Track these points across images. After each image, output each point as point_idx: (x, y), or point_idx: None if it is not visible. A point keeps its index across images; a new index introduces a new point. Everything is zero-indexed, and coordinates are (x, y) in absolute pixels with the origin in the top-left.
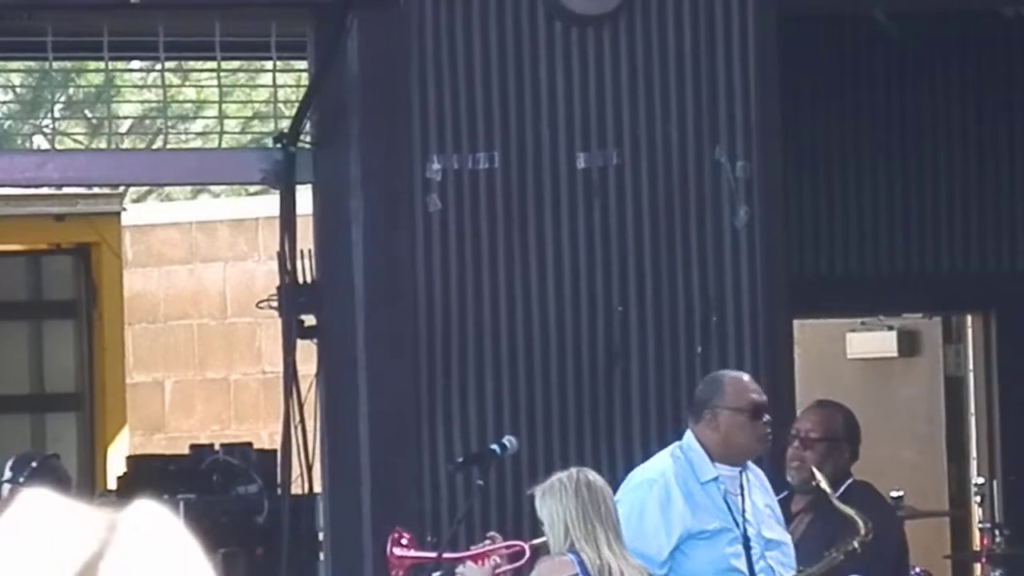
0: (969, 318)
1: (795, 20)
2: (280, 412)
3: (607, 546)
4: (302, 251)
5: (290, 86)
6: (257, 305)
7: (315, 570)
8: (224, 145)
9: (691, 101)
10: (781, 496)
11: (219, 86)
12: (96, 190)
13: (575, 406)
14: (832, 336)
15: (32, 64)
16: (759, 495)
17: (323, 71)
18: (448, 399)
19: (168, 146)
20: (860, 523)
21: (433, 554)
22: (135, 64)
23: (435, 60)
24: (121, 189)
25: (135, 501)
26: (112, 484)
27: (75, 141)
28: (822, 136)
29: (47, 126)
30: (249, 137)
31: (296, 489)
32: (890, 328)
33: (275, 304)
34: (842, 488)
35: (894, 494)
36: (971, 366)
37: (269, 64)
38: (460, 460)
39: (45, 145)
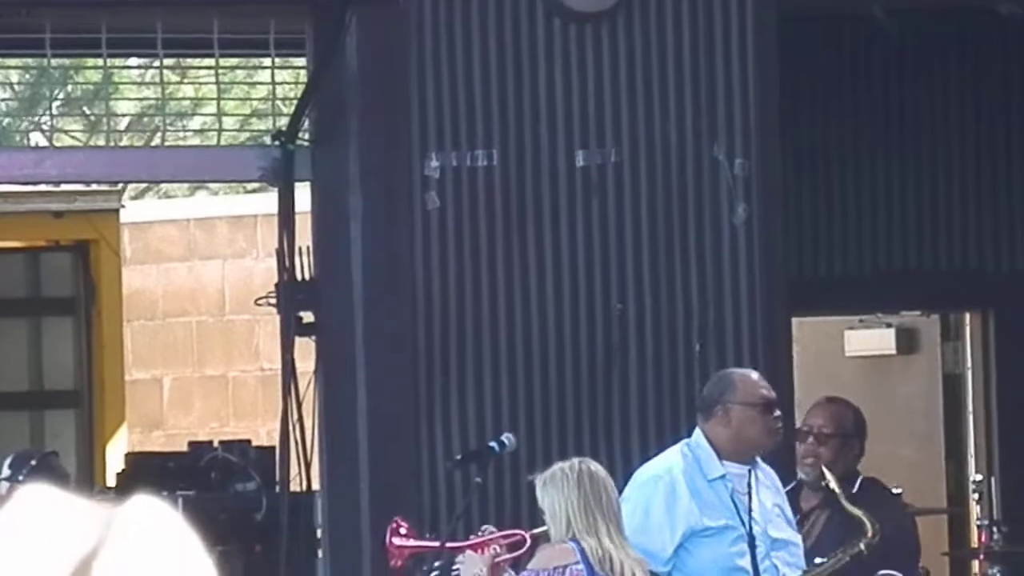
0: (967, 316)
1: (794, 19)
2: (279, 409)
3: (608, 537)
4: (301, 248)
5: (288, 83)
6: (256, 302)
7: (314, 567)
8: (222, 142)
9: (690, 99)
10: (788, 488)
11: (217, 83)
12: (95, 187)
13: (573, 403)
14: (830, 334)
15: (30, 61)
16: (768, 494)
17: (322, 68)
18: (446, 396)
19: (166, 143)
20: (868, 525)
21: (432, 543)
22: (133, 61)
23: (434, 57)
24: (120, 186)
25: (134, 496)
26: (111, 481)
27: (73, 138)
28: (821, 134)
29: (45, 123)
30: (247, 134)
31: (295, 486)
32: (888, 326)
33: (274, 301)
34: (856, 485)
35: (893, 491)
36: (969, 364)
37: (267, 61)
38: (459, 457)
39: (43, 142)
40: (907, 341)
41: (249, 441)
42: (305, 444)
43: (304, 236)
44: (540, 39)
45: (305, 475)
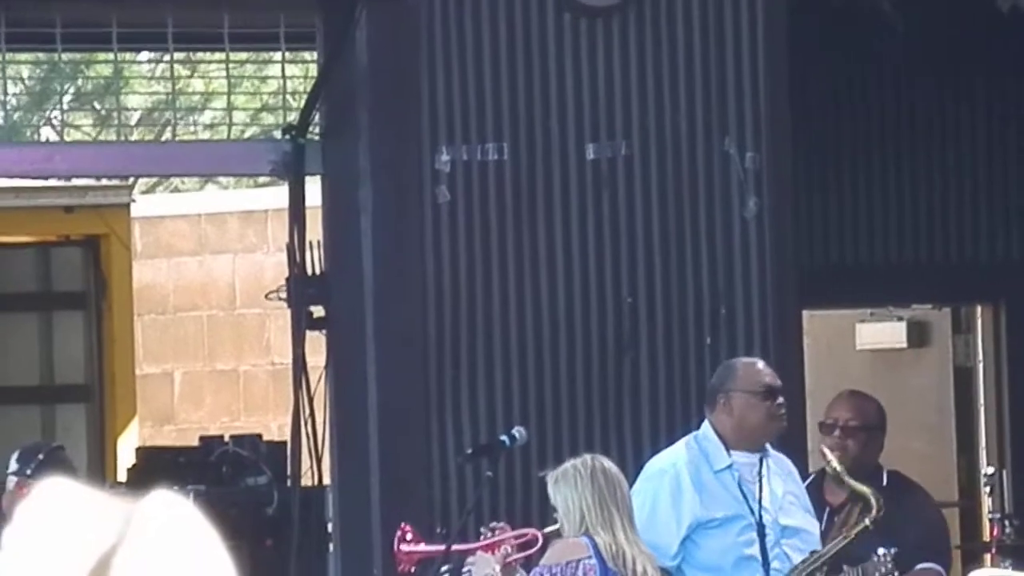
0: (979, 309)
1: (804, 11)
2: (289, 403)
3: (622, 532)
4: (311, 242)
5: (298, 77)
6: (266, 296)
7: (325, 561)
8: (233, 137)
9: (700, 92)
10: (807, 483)
11: (228, 77)
12: (105, 182)
13: (584, 397)
14: (841, 327)
15: (41, 56)
16: (779, 482)
17: (332, 62)
18: (457, 390)
19: (177, 138)
20: (873, 500)
21: (440, 546)
22: (144, 55)
23: (444, 51)
24: (130, 181)
25: (152, 491)
26: (122, 476)
27: (84, 133)
28: (831, 127)
29: (56, 118)
30: (258, 128)
31: (306, 480)
32: (900, 319)
33: (284, 295)
34: (884, 479)
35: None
36: (980, 357)
37: (278, 55)
38: (469, 451)
39: (54, 137)
40: (918, 334)
41: (260, 435)
42: (316, 438)
43: (314, 230)
44: (550, 33)
45: (316, 469)
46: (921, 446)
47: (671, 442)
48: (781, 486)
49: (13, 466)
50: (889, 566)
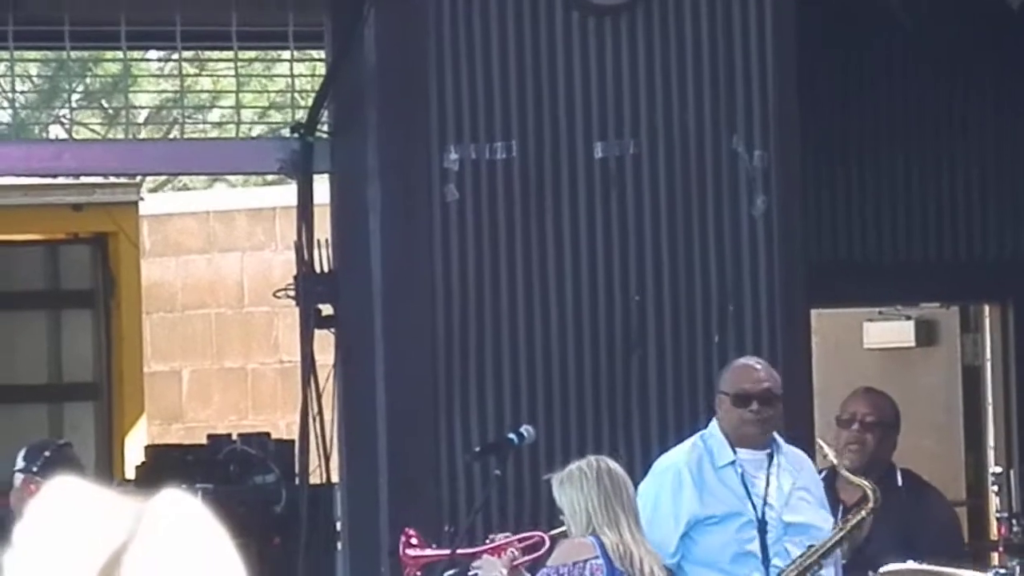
0: (987, 308)
1: (811, 8)
2: (297, 402)
3: (628, 532)
4: (319, 240)
5: (306, 76)
6: (274, 294)
7: (333, 560)
8: (241, 135)
9: (708, 90)
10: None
11: (236, 75)
12: (113, 180)
13: (592, 395)
14: (849, 325)
15: (49, 54)
16: (789, 478)
17: (340, 61)
18: (465, 389)
19: (185, 136)
20: (870, 493)
21: (446, 552)
22: (152, 54)
23: (452, 49)
24: (138, 179)
25: (162, 490)
26: (130, 474)
27: (92, 131)
28: (839, 125)
29: (64, 116)
30: (266, 127)
31: (314, 479)
32: (908, 318)
33: (292, 293)
34: (899, 478)
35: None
36: (988, 355)
37: (286, 54)
38: (477, 450)
39: (62, 135)
40: (926, 333)
41: (268, 434)
42: (324, 437)
43: (323, 228)
44: (559, 31)
45: (324, 468)
46: (929, 445)
47: (679, 440)
48: (790, 482)
49: (20, 463)
50: None
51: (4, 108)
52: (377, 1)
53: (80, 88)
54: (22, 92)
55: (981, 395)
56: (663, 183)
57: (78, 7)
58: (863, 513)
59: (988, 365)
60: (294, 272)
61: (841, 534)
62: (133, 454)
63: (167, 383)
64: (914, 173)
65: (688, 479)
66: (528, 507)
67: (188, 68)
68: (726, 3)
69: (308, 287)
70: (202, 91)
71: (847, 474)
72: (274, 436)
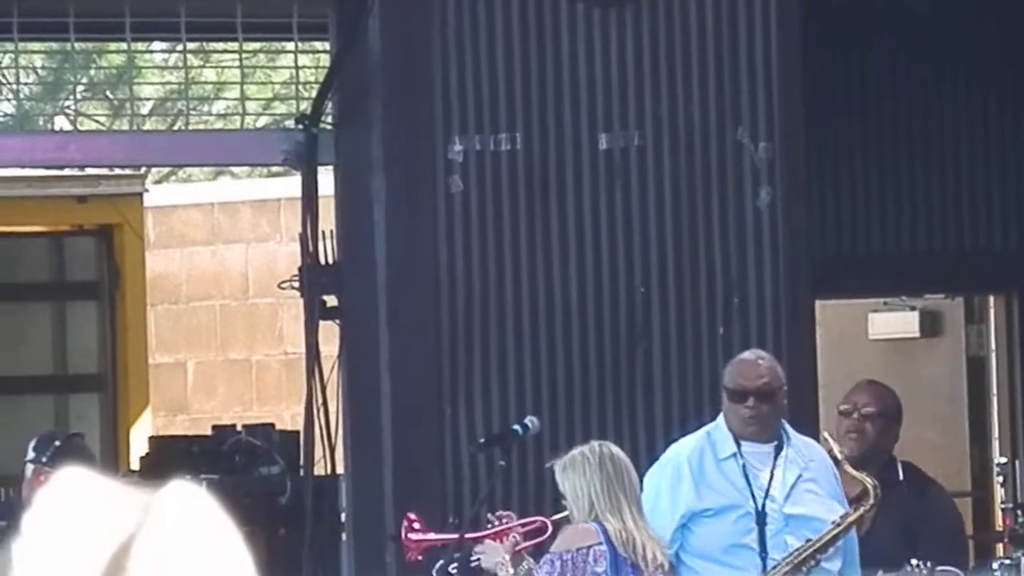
0: (991, 298)
1: (816, 2)
2: (302, 393)
3: (631, 518)
4: (324, 232)
5: (310, 67)
6: (279, 286)
7: (338, 550)
8: (245, 126)
9: (713, 82)
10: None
11: (241, 67)
12: (118, 171)
13: (597, 387)
14: (854, 317)
15: (54, 45)
16: (795, 471)
17: (345, 52)
18: (470, 380)
19: (190, 127)
20: (870, 489)
21: (448, 536)
22: (157, 45)
23: (457, 41)
24: (143, 170)
25: (170, 482)
26: (135, 465)
27: (97, 122)
28: (844, 119)
29: (69, 107)
30: (270, 118)
31: (319, 470)
32: (912, 308)
33: (297, 285)
34: (900, 471)
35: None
36: (993, 346)
37: (290, 45)
38: (482, 441)
39: (67, 126)
40: (931, 324)
41: (273, 425)
42: (329, 428)
43: (327, 220)
44: (563, 23)
45: (329, 459)
46: (934, 436)
47: (684, 432)
48: (796, 474)
49: (30, 454)
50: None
51: (9, 100)
52: None
53: (84, 80)
54: (27, 84)
55: (986, 386)
56: (668, 175)
57: None
58: (862, 511)
59: (993, 356)
60: (299, 263)
61: (838, 531)
62: (138, 445)
63: (172, 374)
64: (918, 164)
65: (687, 472)
66: (532, 498)
67: (192, 60)
68: None
69: (312, 278)
70: (206, 83)
71: (849, 468)
72: (279, 427)
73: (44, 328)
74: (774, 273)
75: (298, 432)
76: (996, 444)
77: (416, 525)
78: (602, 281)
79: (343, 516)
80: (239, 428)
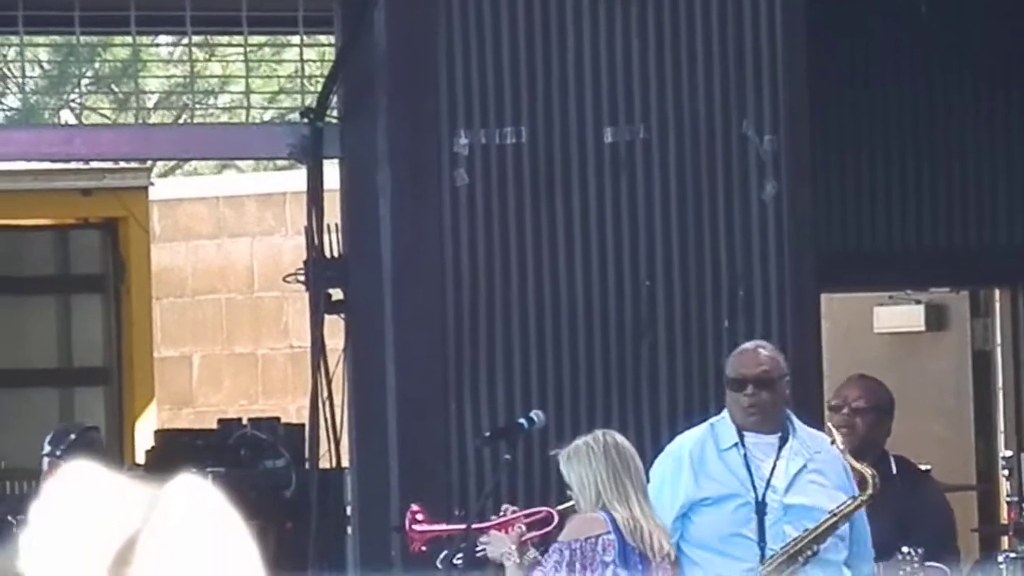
0: (997, 292)
1: None
2: (307, 386)
3: (638, 506)
4: (329, 225)
5: (315, 61)
6: (284, 279)
7: (343, 544)
8: (251, 120)
9: (718, 75)
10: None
11: (246, 61)
12: (123, 165)
13: (602, 380)
14: (860, 310)
15: (59, 39)
16: (799, 461)
17: (350, 45)
18: (475, 373)
19: (195, 121)
20: (869, 479)
21: (452, 527)
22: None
23: (462, 34)
24: (148, 164)
25: (176, 475)
26: (140, 458)
27: (102, 116)
28: (850, 111)
29: (74, 101)
30: (275, 112)
31: (324, 463)
32: (918, 302)
33: (302, 278)
34: (892, 465)
35: (922, 467)
36: (999, 340)
37: (296, 39)
38: (488, 434)
39: (72, 120)
40: (936, 317)
41: (278, 418)
42: (334, 421)
43: (333, 213)
44: (568, 16)
45: (334, 452)
46: (939, 429)
47: (689, 425)
48: (800, 464)
49: (46, 447)
50: (915, 565)
51: (14, 93)
52: None
53: (90, 73)
54: (32, 77)
55: (991, 380)
56: (673, 168)
57: None
58: (860, 500)
59: (998, 350)
60: (304, 257)
61: (835, 520)
62: (143, 439)
63: (177, 368)
64: (924, 158)
65: (687, 463)
66: (538, 491)
67: (198, 53)
68: None
69: (318, 272)
70: (212, 76)
71: (851, 459)
72: (284, 421)
73: (49, 321)
74: (779, 266)
75: (303, 426)
76: (1001, 438)
77: (420, 516)
78: (607, 274)
79: (348, 509)
80: (244, 422)
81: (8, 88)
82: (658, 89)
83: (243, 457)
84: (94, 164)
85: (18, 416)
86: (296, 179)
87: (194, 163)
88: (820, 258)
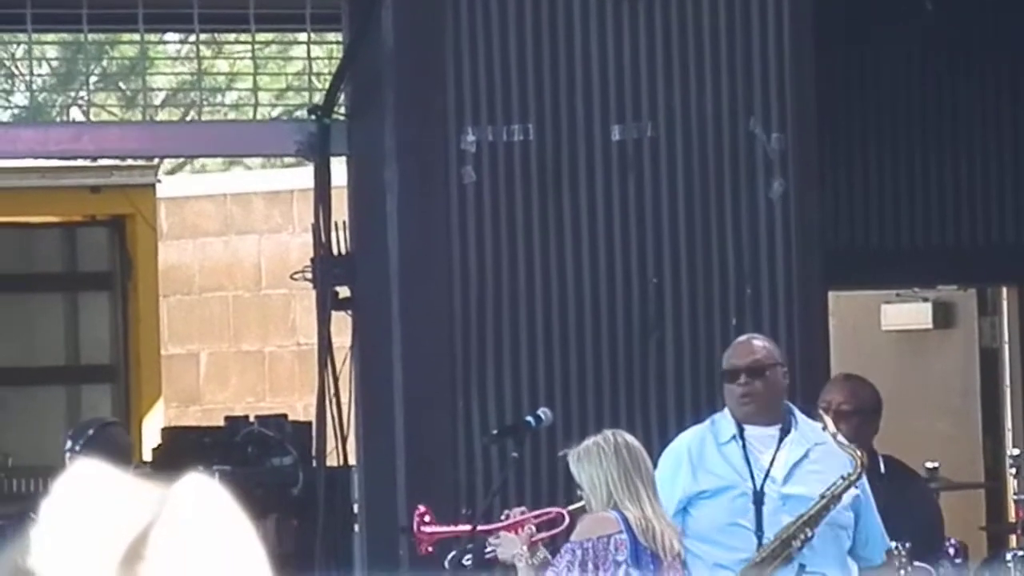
0: (1004, 290)
1: None
2: (315, 384)
3: (649, 506)
4: (337, 223)
5: (323, 58)
6: (292, 277)
7: (350, 541)
8: (258, 117)
9: (726, 73)
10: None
11: (254, 58)
12: (131, 162)
13: (610, 378)
14: (867, 308)
15: (67, 36)
16: (799, 451)
17: (357, 42)
18: (483, 371)
19: (202, 118)
20: (856, 461)
21: (460, 528)
22: (169, 36)
23: (470, 31)
24: (156, 161)
25: (183, 473)
26: (147, 456)
27: (110, 113)
28: (857, 109)
29: (82, 98)
30: (283, 109)
31: (331, 461)
32: (925, 300)
33: (310, 276)
34: (882, 465)
35: (929, 466)
36: (1006, 338)
37: (303, 36)
38: (495, 432)
39: (80, 117)
40: (944, 315)
41: (285, 416)
42: (341, 419)
43: (340, 211)
44: (576, 13)
45: (341, 450)
46: (946, 427)
47: (696, 422)
48: (800, 455)
49: (67, 443)
50: (903, 560)
51: (22, 91)
52: None
53: (97, 71)
54: (40, 75)
55: (999, 377)
56: (680, 166)
57: None
58: (848, 481)
59: (1006, 347)
60: (311, 254)
61: (824, 501)
62: (150, 436)
63: (184, 365)
64: (932, 156)
65: (686, 459)
66: (546, 489)
67: (205, 51)
68: None
69: (325, 269)
70: (219, 74)
71: (841, 439)
72: (291, 418)
73: (56, 319)
74: (786, 264)
75: (310, 423)
76: (1009, 436)
77: (427, 518)
78: (615, 272)
79: (355, 507)
80: (252, 419)
81: (16, 86)
82: (666, 87)
83: (250, 455)
84: (101, 161)
85: (25, 414)
86: (303, 176)
87: (201, 160)
88: (827, 256)
